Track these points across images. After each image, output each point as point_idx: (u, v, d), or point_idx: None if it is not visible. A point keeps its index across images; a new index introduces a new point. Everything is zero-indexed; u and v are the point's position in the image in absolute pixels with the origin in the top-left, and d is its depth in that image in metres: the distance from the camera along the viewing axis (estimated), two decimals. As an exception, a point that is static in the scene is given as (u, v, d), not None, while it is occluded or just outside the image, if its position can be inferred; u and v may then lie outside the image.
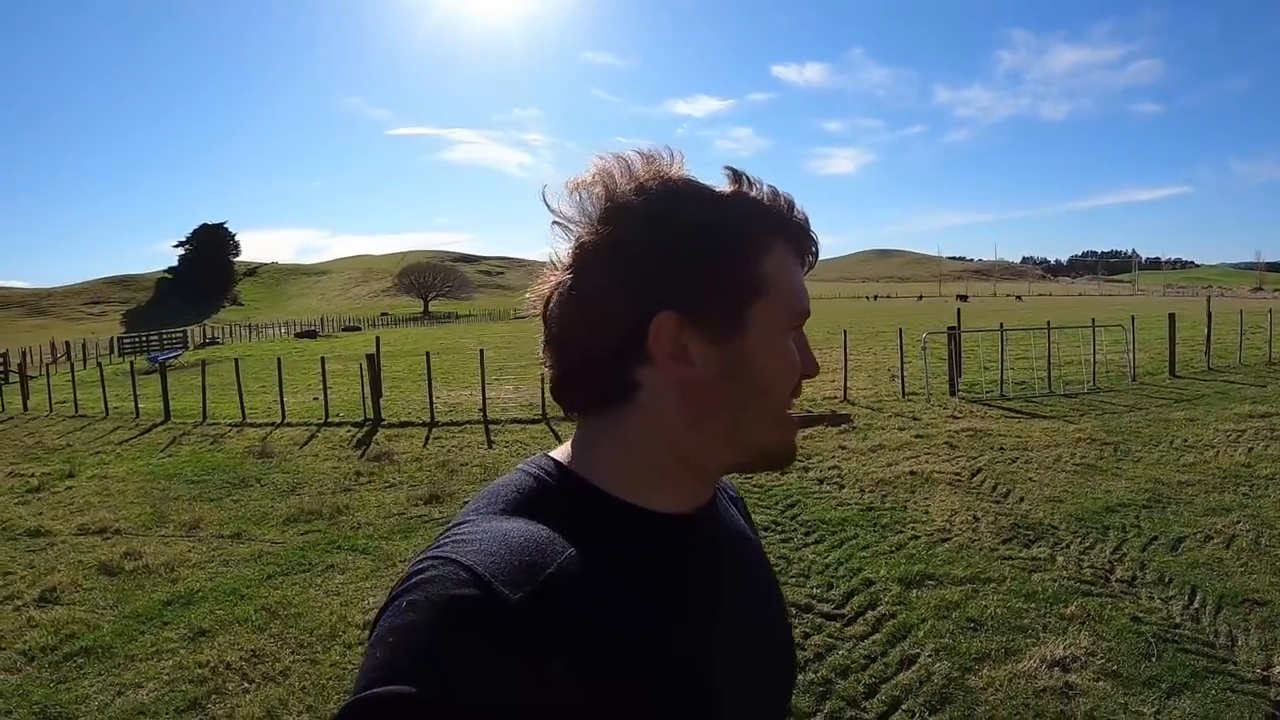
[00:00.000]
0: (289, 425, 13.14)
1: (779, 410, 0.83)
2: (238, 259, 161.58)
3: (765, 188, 0.83)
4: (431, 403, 13.49)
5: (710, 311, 0.78)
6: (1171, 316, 16.11)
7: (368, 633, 0.71)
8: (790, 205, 0.84)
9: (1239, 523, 6.49)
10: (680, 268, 0.78)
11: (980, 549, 6.08)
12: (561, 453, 0.84)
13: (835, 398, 13.70)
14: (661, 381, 0.79)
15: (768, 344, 0.80)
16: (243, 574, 6.18)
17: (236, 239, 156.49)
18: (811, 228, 0.86)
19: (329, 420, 13.25)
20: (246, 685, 4.47)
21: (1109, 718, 3.82)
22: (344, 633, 5.07)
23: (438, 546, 0.73)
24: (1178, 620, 4.83)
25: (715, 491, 0.91)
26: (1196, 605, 5.03)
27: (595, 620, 0.70)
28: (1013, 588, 5.33)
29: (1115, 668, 4.26)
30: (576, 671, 0.66)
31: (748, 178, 0.83)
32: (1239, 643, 4.53)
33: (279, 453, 10.93)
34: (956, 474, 8.35)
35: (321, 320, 77.02)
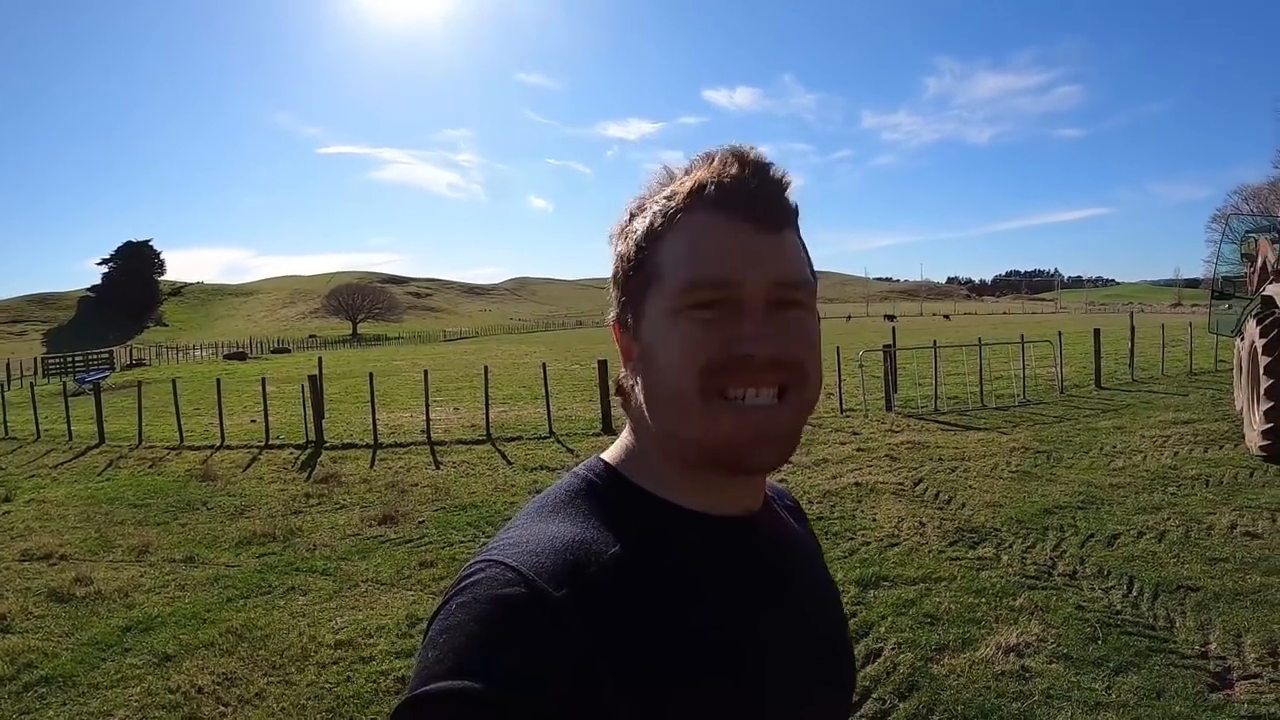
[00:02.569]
0: (229, 448, 12.94)
1: (685, 397, 0.77)
2: (162, 278, 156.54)
3: (697, 162, 0.83)
4: (375, 424, 13.39)
5: (623, 311, 0.84)
6: (1096, 331, 16.80)
7: (421, 637, 0.76)
8: (724, 167, 0.80)
9: (1169, 519, 6.92)
10: (611, 281, 0.87)
11: (929, 551, 6.34)
12: (611, 453, 0.87)
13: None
14: (634, 380, 0.84)
15: (655, 327, 0.80)
16: (201, 598, 6.09)
17: (162, 257, 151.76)
18: (747, 175, 0.80)
19: (270, 443, 13.06)
20: (223, 709, 4.43)
21: (1064, 694, 4.09)
22: (316, 653, 5.04)
23: (487, 550, 0.76)
24: (1119, 607, 5.16)
25: (769, 498, 0.92)
26: (1135, 593, 5.38)
27: (636, 618, 0.72)
28: (963, 585, 5.59)
29: (1066, 651, 4.55)
30: (617, 667, 0.68)
31: (680, 167, 0.84)
32: (1177, 624, 4.89)
33: (222, 476, 10.76)
34: (900, 484, 8.65)
35: (250, 342, 75.34)
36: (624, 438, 0.87)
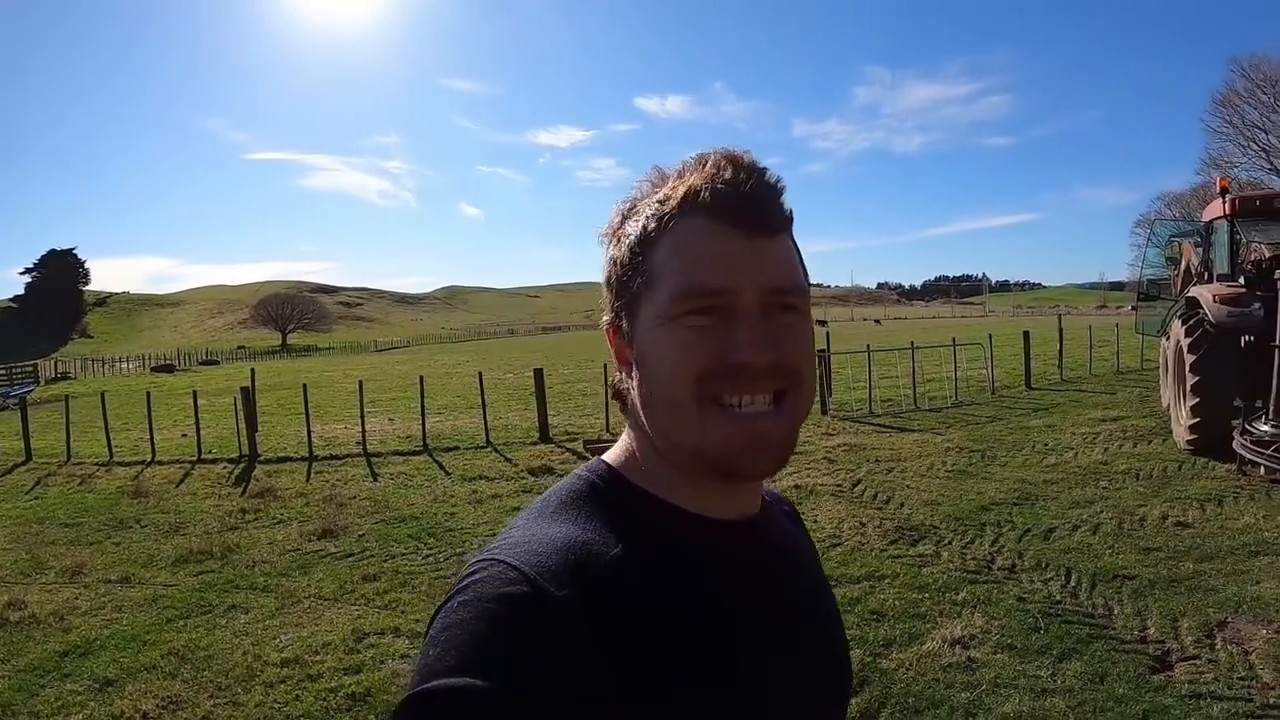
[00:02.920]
0: (160, 463, 12.58)
1: (680, 405, 0.78)
2: (87, 288, 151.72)
3: (690, 165, 0.83)
4: (310, 437, 13.15)
5: (618, 316, 0.84)
6: (1026, 334, 17.31)
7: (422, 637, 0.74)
8: (717, 172, 0.80)
9: (1102, 512, 7.20)
10: (605, 286, 0.86)
11: (871, 550, 6.46)
12: (612, 455, 0.88)
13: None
14: (631, 385, 0.84)
15: (650, 334, 0.80)
16: (140, 619, 5.90)
17: (86, 266, 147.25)
18: (741, 180, 0.79)
19: (203, 457, 12.74)
20: (169, 734, 4.31)
21: (1011, 682, 4.24)
22: (262, 672, 4.92)
23: (489, 550, 0.76)
24: (1058, 597, 5.36)
25: (767, 502, 0.92)
26: (1073, 584, 5.59)
27: (637, 619, 0.72)
28: (906, 581, 5.72)
29: (1010, 641, 4.71)
30: (616, 667, 0.69)
31: (672, 169, 0.85)
32: (1115, 612, 5.10)
33: (155, 492, 10.44)
34: (838, 485, 8.81)
35: (178, 353, 73.26)
36: (624, 440, 0.87)
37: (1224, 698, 4.06)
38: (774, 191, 0.81)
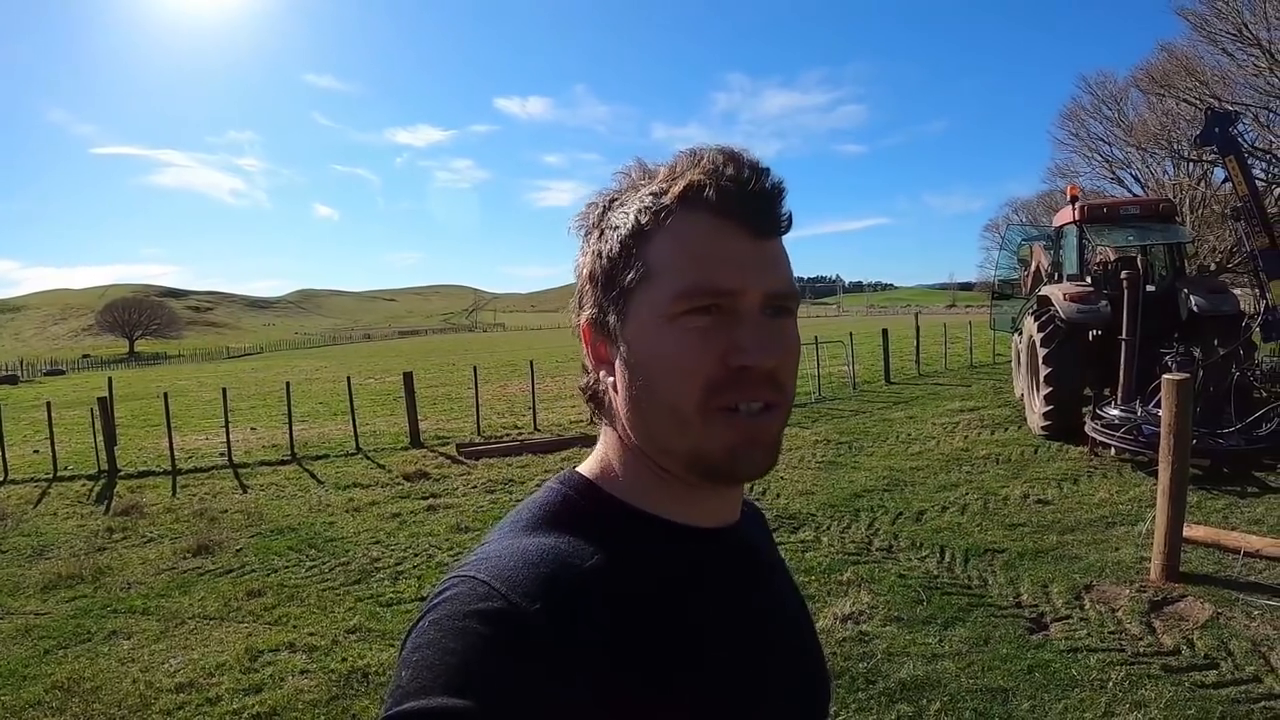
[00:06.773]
0: (13, 482, 11.77)
1: (682, 411, 0.75)
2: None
3: (684, 160, 0.79)
4: (172, 449, 12.59)
5: (602, 312, 0.80)
6: (885, 331, 18.23)
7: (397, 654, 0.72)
8: (714, 170, 0.76)
9: (967, 494, 7.76)
10: (587, 279, 0.82)
11: (755, 539, 6.74)
12: (587, 465, 0.85)
13: (582, 421, 14.22)
14: (610, 385, 0.81)
15: (646, 332, 0.76)
16: (15, 652, 5.52)
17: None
18: (746, 178, 0.76)
19: (59, 474, 12.01)
20: (66, 772, 4.07)
21: (904, 651, 4.56)
22: (156, 700, 4.68)
23: (461, 566, 0.75)
24: (936, 573, 5.77)
25: (745, 511, 0.91)
26: (948, 559, 6.03)
27: (613, 632, 0.71)
28: (791, 565, 5.91)
29: (897, 614, 5.06)
30: (594, 681, 0.68)
31: (656, 163, 0.82)
32: (990, 582, 5.55)
33: (11, 514, 9.79)
34: (712, 479, 9.07)
35: (20, 363, 68.01)
36: (600, 449, 0.86)
37: (1099, 650, 4.52)
38: (779, 192, 0.79)
